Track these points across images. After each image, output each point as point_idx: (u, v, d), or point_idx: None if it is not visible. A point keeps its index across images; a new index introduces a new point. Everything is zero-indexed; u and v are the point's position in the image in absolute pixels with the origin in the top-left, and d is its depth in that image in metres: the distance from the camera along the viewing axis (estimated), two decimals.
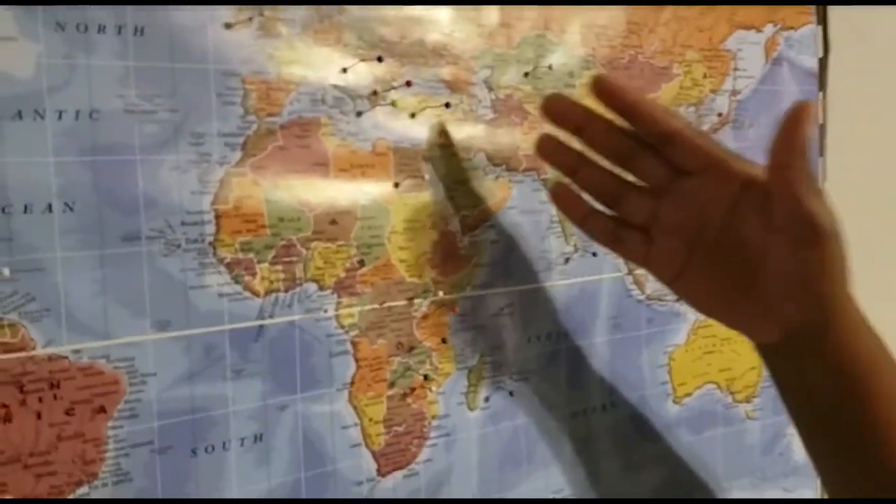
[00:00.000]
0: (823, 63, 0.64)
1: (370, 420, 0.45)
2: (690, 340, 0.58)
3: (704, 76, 0.57)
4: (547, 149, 0.46)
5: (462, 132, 0.47)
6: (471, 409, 0.48)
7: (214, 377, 0.40)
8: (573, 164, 0.46)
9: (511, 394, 0.49)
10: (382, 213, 0.44)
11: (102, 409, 0.37)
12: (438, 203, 0.46)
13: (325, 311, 0.43)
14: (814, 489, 0.65)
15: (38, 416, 0.36)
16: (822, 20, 0.64)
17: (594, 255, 0.52)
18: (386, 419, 0.45)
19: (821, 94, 0.64)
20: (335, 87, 0.43)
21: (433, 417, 0.47)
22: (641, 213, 0.45)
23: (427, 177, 0.46)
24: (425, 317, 0.46)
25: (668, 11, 0.55)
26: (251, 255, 0.40)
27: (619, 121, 0.44)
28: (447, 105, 0.46)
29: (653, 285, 0.55)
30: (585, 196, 0.46)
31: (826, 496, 0.48)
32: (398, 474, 0.46)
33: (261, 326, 0.41)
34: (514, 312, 0.50)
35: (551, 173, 0.49)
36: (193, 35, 0.39)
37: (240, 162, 0.40)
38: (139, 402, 0.38)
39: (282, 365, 0.42)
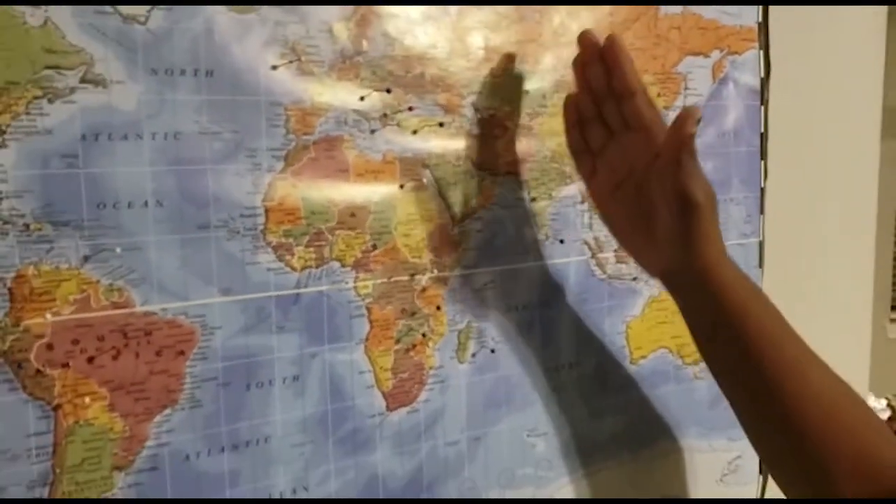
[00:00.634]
0: (765, 81, 0.76)
1: (381, 368, 0.57)
2: (645, 313, 0.70)
3: (658, 95, 0.69)
4: (579, 64, 0.60)
5: (453, 145, 0.59)
6: (461, 362, 0.61)
7: (263, 331, 0.53)
8: (586, 84, 0.60)
9: (492, 351, 0.62)
10: (390, 208, 0.57)
11: (182, 353, 0.50)
12: (434, 200, 0.58)
13: (346, 283, 0.55)
14: None
15: (137, 355, 0.48)
16: (765, 44, 0.76)
17: (562, 241, 0.64)
18: (393, 368, 0.58)
19: (763, 107, 0.76)
20: (355, 111, 0.55)
21: (430, 368, 0.59)
22: (596, 143, 0.61)
23: (425, 180, 0.58)
24: (424, 289, 0.59)
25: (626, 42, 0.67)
26: (291, 240, 0.53)
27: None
28: (440, 124, 0.58)
29: (612, 267, 0.68)
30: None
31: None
32: (403, 410, 0.58)
33: (298, 294, 0.54)
34: (496, 287, 0.62)
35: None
36: (249, 75, 0.51)
37: (283, 170, 0.52)
38: (208, 348, 0.51)
39: (313, 323, 0.54)
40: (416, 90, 0.57)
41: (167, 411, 0.50)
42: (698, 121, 0.54)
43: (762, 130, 0.76)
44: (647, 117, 0.57)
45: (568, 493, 0.67)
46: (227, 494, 0.52)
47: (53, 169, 0.45)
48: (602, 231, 0.66)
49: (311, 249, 0.54)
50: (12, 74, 0.44)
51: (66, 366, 0.46)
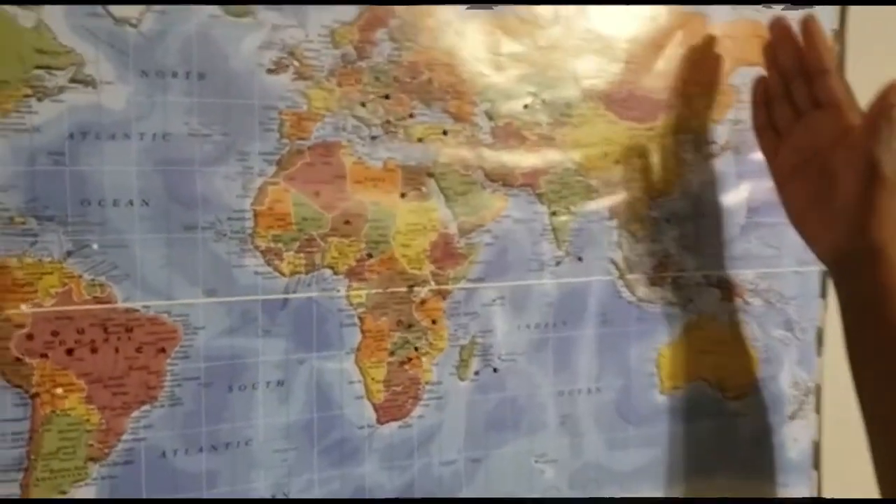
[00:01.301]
0: None
1: (372, 379, 0.56)
2: (682, 340, 0.65)
3: (706, 107, 0.64)
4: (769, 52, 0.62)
5: (462, 154, 0.57)
6: (462, 379, 0.58)
7: (248, 334, 0.53)
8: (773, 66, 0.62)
9: (495, 370, 0.59)
10: (389, 217, 0.55)
11: (163, 350, 0.51)
12: (439, 210, 0.57)
13: (338, 291, 0.55)
14: (808, 487, 0.70)
15: (117, 350, 0.49)
16: (840, 54, 0.69)
17: (580, 259, 0.61)
18: (386, 380, 0.56)
19: None
20: (355, 117, 0.54)
21: (427, 383, 0.58)
22: (783, 122, 0.62)
23: (429, 189, 0.56)
24: (423, 301, 0.57)
25: (669, 49, 0.62)
26: (280, 245, 0.53)
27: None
28: (444, 132, 0.56)
29: (643, 290, 0.64)
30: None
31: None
32: (394, 424, 0.57)
33: (286, 299, 0.53)
34: (505, 304, 0.59)
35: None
36: (243, 79, 0.51)
37: (275, 174, 0.52)
38: (191, 347, 0.51)
39: (301, 329, 0.54)
40: (422, 97, 0.56)
41: (146, 407, 0.50)
42: None
43: None
44: (839, 94, 0.58)
45: None
46: (205, 494, 0.52)
47: (39, 165, 0.47)
48: (633, 251, 0.62)
49: (302, 255, 0.53)
50: (3, 74, 0.46)
51: (44, 356, 0.48)
